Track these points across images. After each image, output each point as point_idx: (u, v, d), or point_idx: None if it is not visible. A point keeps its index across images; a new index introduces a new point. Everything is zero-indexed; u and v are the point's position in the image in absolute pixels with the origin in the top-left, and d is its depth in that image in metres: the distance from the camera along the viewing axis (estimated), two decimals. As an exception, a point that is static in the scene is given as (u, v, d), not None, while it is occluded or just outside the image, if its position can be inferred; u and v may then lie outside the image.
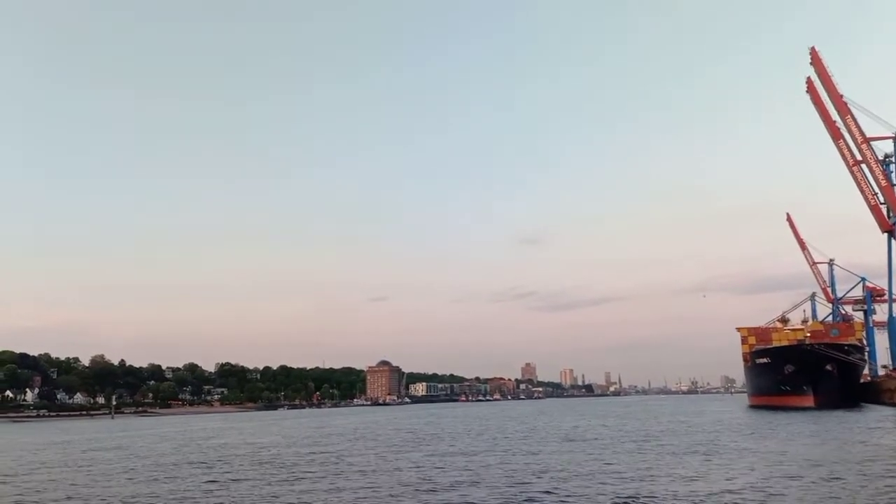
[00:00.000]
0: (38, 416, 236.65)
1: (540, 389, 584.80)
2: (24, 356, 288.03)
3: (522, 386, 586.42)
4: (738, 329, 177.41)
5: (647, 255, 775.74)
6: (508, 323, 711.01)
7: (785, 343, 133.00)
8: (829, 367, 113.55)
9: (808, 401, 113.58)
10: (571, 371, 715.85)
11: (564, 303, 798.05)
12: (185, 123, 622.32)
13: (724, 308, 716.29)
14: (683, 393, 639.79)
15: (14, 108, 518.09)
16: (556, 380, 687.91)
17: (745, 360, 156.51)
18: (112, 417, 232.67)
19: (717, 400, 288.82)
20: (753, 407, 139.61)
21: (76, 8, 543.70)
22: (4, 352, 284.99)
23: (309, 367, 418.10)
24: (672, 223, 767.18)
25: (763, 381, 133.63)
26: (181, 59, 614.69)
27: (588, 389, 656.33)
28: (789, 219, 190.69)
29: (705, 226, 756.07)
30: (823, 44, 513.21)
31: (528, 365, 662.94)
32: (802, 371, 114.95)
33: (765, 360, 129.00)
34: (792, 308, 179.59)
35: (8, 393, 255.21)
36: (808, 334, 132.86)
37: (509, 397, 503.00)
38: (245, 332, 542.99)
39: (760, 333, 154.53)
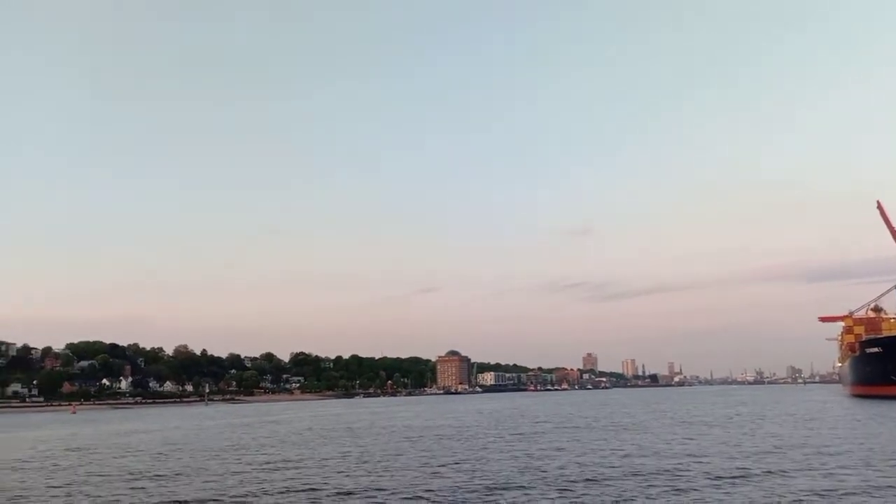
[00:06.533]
0: (134, 402, 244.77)
1: (604, 379, 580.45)
2: (114, 346, 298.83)
3: (586, 376, 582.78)
4: (840, 318, 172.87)
5: (705, 245, 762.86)
6: (562, 313, 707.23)
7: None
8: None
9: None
10: (633, 361, 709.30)
11: (618, 292, 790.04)
12: (243, 123, 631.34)
13: (789, 297, 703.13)
14: (749, 384, 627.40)
15: (83, 110, 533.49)
16: (618, 370, 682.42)
17: (851, 349, 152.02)
18: (206, 404, 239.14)
19: (800, 390, 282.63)
20: (857, 397, 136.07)
21: (112, 14, 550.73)
22: (96, 342, 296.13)
23: (375, 355, 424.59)
24: (733, 212, 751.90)
25: (873, 371, 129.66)
26: (222, 60, 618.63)
27: (653, 379, 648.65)
28: (880, 206, 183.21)
29: (768, 215, 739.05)
30: None
31: (589, 355, 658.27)
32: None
33: (876, 350, 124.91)
34: (879, 296, 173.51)
35: (104, 381, 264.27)
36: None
37: (576, 387, 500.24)
38: (313, 322, 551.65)
39: (869, 323, 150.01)
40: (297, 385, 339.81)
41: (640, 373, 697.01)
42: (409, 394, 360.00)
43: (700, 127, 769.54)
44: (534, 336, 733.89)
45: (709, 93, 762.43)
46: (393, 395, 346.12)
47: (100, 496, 30.38)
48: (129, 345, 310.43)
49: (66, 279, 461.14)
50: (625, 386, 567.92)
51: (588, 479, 31.07)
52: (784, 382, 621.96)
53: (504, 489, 29.33)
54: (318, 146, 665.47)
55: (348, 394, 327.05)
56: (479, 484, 30.66)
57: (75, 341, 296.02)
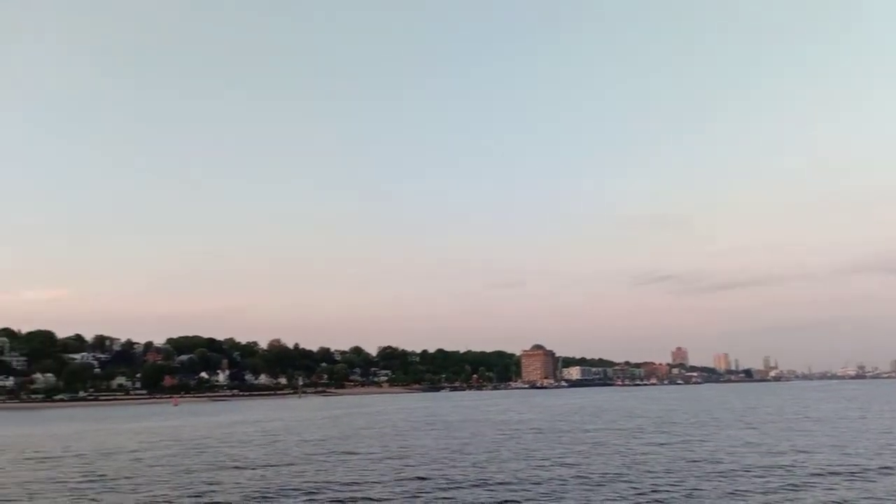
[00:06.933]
0: (231, 395, 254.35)
1: (695, 374, 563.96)
2: (211, 341, 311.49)
3: (675, 370, 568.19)
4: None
5: (801, 235, 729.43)
6: (650, 306, 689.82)
7: None
8: None
9: None
10: (726, 355, 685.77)
11: (709, 285, 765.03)
12: (333, 119, 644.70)
13: (893, 288, 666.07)
14: (851, 378, 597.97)
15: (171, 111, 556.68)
16: (709, 364, 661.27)
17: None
18: (299, 397, 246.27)
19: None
20: None
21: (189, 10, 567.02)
22: (195, 337, 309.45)
23: (460, 349, 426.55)
24: (829, 201, 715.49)
25: None
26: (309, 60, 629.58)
27: (747, 374, 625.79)
28: None
29: (863, 204, 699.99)
30: None
31: (678, 349, 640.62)
32: None
33: None
34: None
35: (203, 374, 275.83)
36: None
37: (665, 382, 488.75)
38: (399, 316, 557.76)
39: None
40: (385, 378, 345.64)
41: (734, 367, 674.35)
42: (495, 388, 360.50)
43: (792, 112, 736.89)
44: (620, 330, 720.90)
45: (800, 79, 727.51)
46: (478, 388, 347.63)
47: (221, 483, 31.97)
48: (226, 339, 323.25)
49: (165, 275, 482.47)
50: (717, 381, 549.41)
51: (698, 476, 30.54)
52: (888, 377, 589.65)
53: (613, 482, 29.24)
54: (400, 142, 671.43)
55: (434, 387, 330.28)
56: (587, 478, 30.65)
57: (175, 336, 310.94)
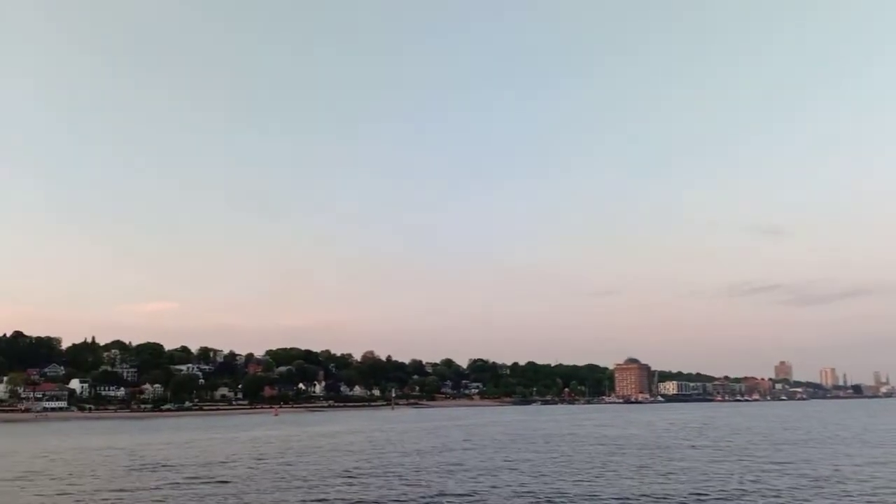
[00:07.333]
0: (328, 406, 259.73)
1: (800, 390, 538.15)
2: (308, 352, 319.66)
3: (778, 386, 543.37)
4: None
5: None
6: (750, 319, 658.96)
7: None
8: None
9: None
10: (833, 370, 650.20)
11: (814, 296, 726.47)
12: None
13: None
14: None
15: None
16: (815, 379, 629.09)
17: None
18: (392, 408, 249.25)
19: None
20: None
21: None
22: (292, 349, 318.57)
23: (550, 362, 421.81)
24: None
25: None
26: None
27: (856, 390, 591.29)
28: None
29: None
30: None
31: (782, 363, 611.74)
32: None
33: None
34: None
35: (300, 385, 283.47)
36: None
37: (768, 398, 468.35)
38: (489, 328, 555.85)
39: None
40: (476, 391, 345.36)
41: (841, 383, 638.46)
42: (587, 402, 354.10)
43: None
44: (719, 343, 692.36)
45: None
46: (570, 402, 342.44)
47: (338, 491, 32.82)
48: (322, 351, 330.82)
49: (264, 289, 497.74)
50: (824, 397, 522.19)
51: (826, 497, 29.21)
52: None
53: (735, 499, 28.29)
54: (484, 145, 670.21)
55: (525, 400, 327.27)
56: (705, 495, 29.85)
57: (274, 348, 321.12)
